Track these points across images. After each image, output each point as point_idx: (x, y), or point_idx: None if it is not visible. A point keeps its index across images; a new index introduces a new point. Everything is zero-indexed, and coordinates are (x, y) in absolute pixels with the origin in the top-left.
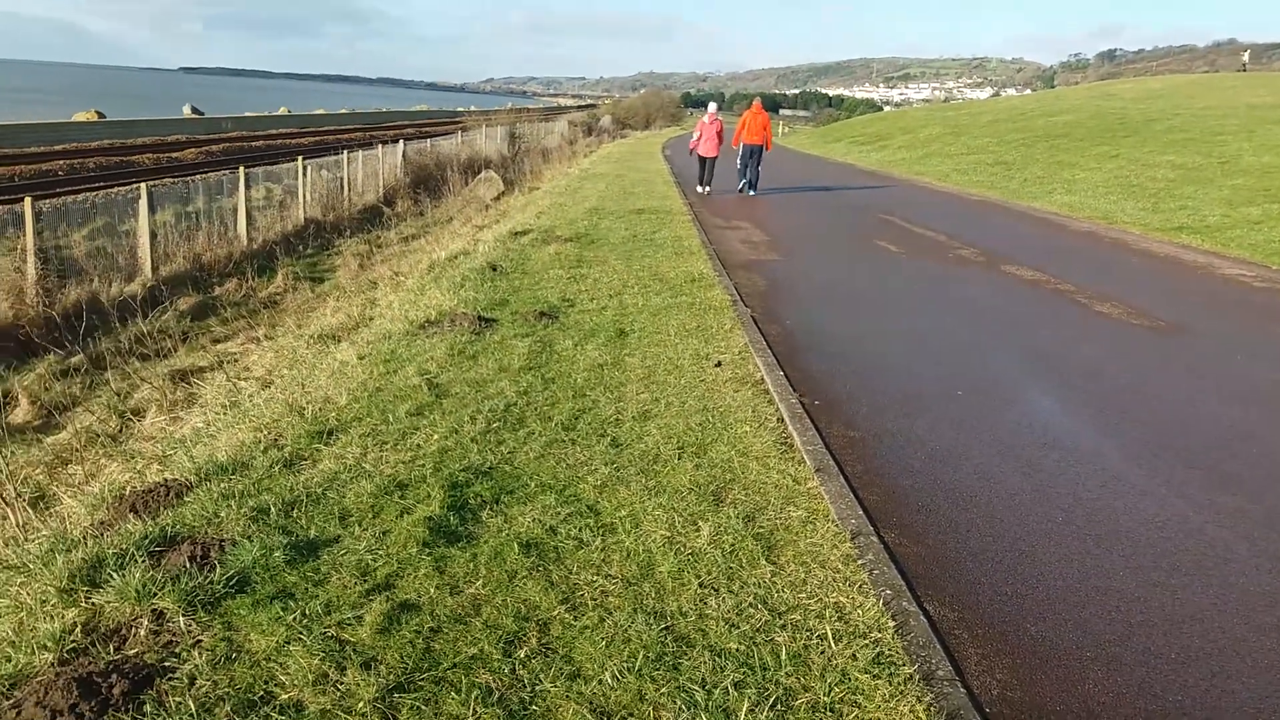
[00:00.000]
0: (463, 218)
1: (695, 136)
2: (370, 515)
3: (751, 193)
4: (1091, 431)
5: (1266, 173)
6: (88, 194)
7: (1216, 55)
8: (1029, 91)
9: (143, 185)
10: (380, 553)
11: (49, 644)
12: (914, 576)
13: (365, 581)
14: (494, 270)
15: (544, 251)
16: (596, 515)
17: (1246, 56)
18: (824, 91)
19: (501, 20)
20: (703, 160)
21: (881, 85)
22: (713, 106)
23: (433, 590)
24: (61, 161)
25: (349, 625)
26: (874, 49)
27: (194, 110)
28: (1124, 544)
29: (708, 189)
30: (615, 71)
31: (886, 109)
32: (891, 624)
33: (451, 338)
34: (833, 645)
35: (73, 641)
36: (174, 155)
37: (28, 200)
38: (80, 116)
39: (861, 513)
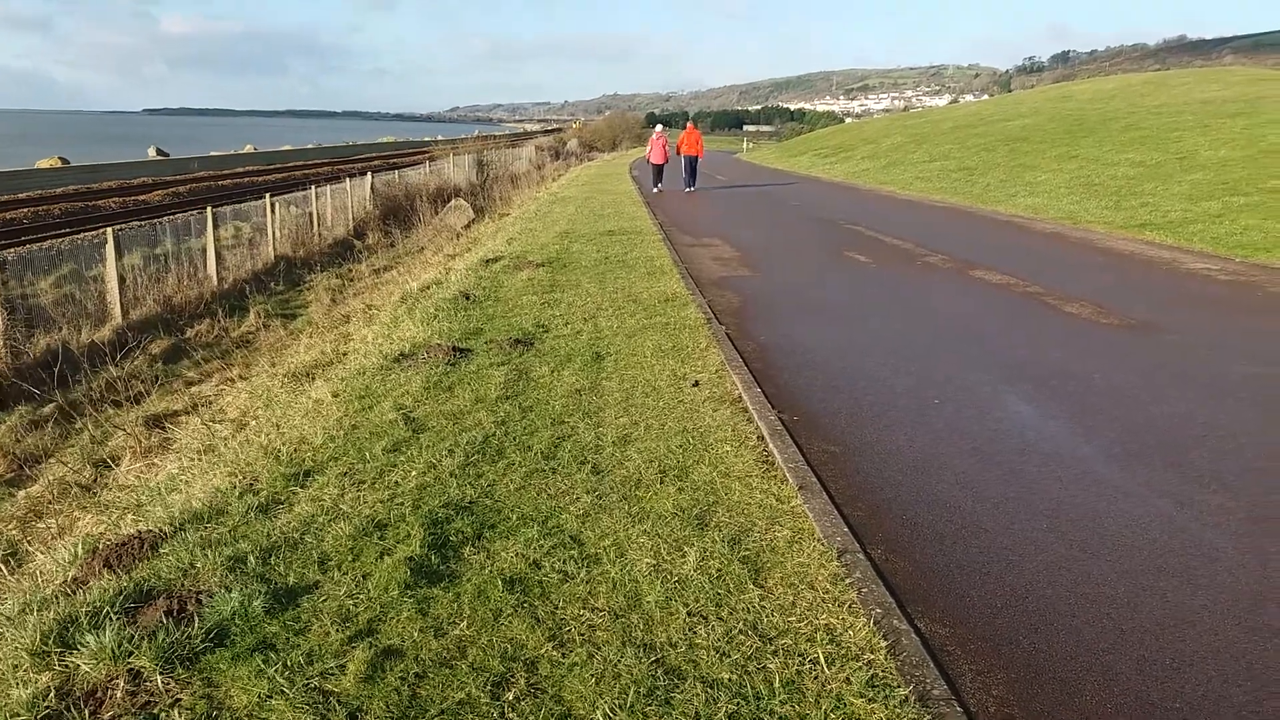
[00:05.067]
0: (434, 247)
1: (648, 150)
2: (350, 558)
3: (692, 189)
4: (1069, 434)
5: (1224, 166)
6: (54, 241)
7: (1167, 53)
8: (987, 97)
9: (109, 230)
10: (361, 597)
11: (21, 711)
12: (903, 593)
13: (347, 628)
14: (467, 299)
15: (516, 278)
16: (580, 546)
17: None
18: (786, 106)
19: (464, 49)
20: (656, 167)
21: (842, 97)
22: (659, 127)
23: (416, 634)
24: (26, 209)
25: (332, 675)
26: (833, 62)
27: (159, 152)
28: (1110, 548)
29: (659, 188)
30: (580, 94)
31: (848, 120)
32: (883, 644)
33: (426, 370)
34: (826, 670)
35: (46, 707)
36: (140, 198)
37: None
38: (43, 163)
39: (847, 530)
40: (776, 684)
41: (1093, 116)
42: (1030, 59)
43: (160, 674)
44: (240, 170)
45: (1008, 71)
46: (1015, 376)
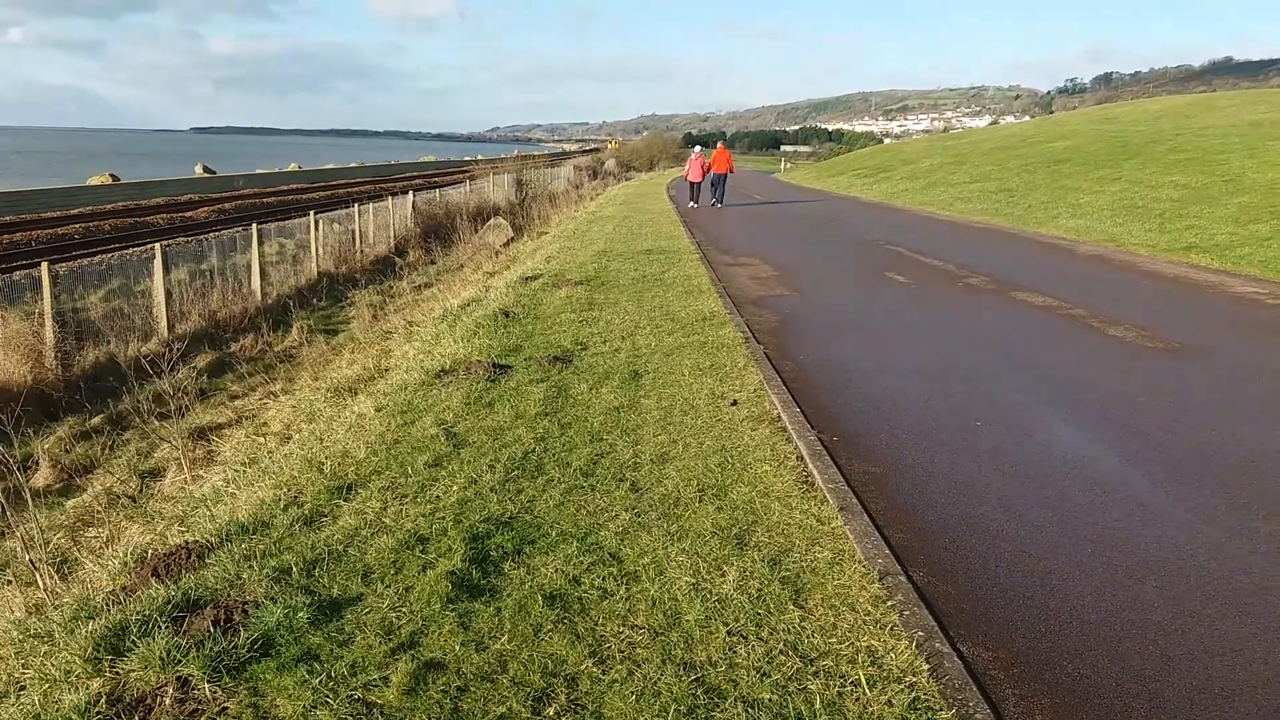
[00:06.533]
0: (473, 265)
1: (686, 169)
2: (392, 571)
3: (719, 205)
4: (1114, 459)
5: (1272, 189)
6: (103, 256)
7: (1213, 75)
8: (1028, 118)
9: (157, 245)
10: (404, 610)
11: (74, 717)
12: (945, 616)
13: (390, 640)
14: (506, 316)
15: (555, 295)
16: (619, 563)
17: None
18: (824, 127)
19: (503, 70)
20: (692, 185)
21: (881, 118)
22: (697, 148)
23: (458, 647)
24: (77, 225)
25: (375, 687)
26: (872, 83)
27: (206, 169)
28: (1156, 574)
29: (695, 204)
30: (618, 115)
31: (887, 141)
32: (925, 667)
33: (467, 386)
34: (867, 691)
35: (97, 713)
36: (187, 215)
37: (45, 265)
38: (95, 180)
39: (888, 552)
40: (818, 705)
41: (1136, 138)
42: (1072, 80)
43: (208, 682)
44: (285, 188)
45: (1049, 93)
46: (1058, 400)
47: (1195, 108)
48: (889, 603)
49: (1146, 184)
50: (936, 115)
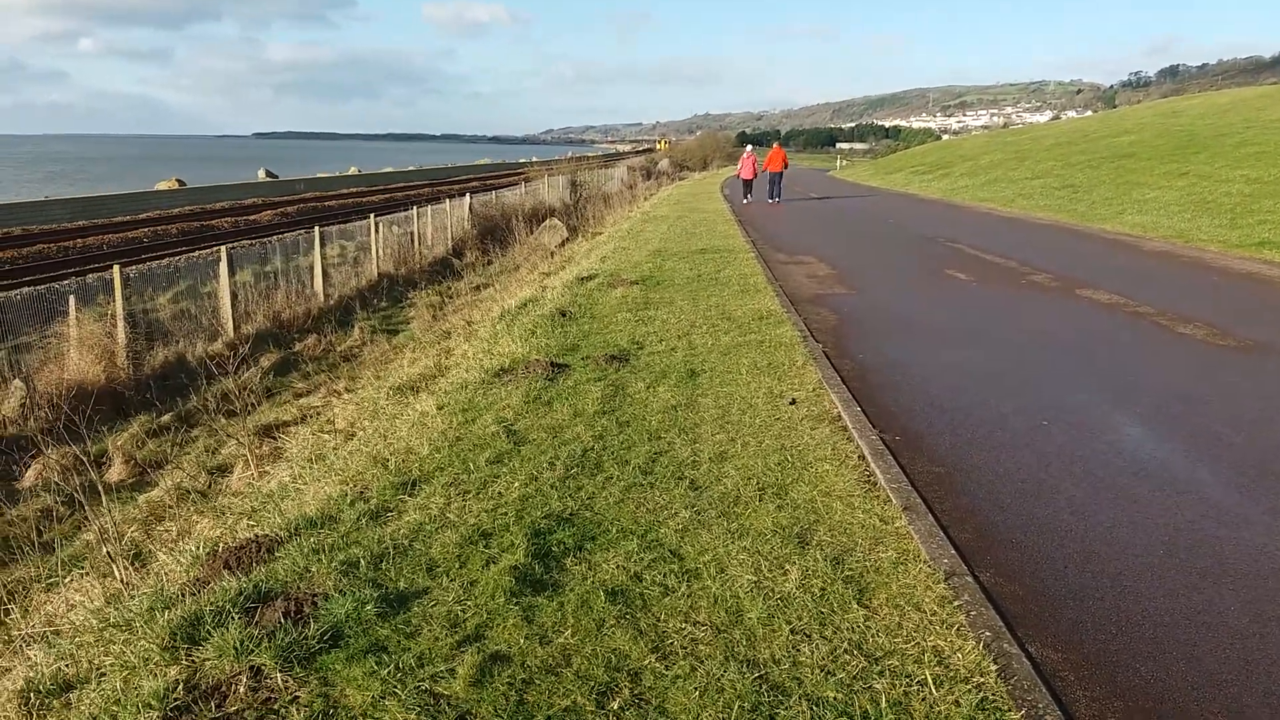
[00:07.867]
0: (529, 265)
1: (739, 167)
2: (457, 565)
3: (777, 200)
4: (1185, 459)
5: None
6: (171, 259)
7: None
8: (1090, 113)
9: (223, 248)
10: (469, 603)
11: (153, 702)
12: (1013, 617)
13: (456, 633)
14: (563, 316)
15: (611, 295)
16: (680, 560)
17: None
18: (880, 124)
19: (553, 73)
20: (745, 182)
21: (939, 114)
22: (749, 147)
23: (522, 641)
24: (146, 229)
25: (442, 678)
26: (929, 79)
27: (268, 174)
28: (1231, 577)
29: (749, 199)
30: (671, 115)
31: (945, 137)
32: (993, 667)
33: (526, 385)
34: (934, 691)
35: (175, 699)
36: (251, 218)
37: (116, 268)
38: (162, 185)
39: (954, 552)
40: (883, 704)
41: (1204, 132)
42: (1136, 74)
43: (280, 672)
44: (345, 191)
45: (1112, 87)
46: (1127, 399)
47: (1266, 100)
48: (955, 603)
49: (1215, 178)
50: (996, 111)
